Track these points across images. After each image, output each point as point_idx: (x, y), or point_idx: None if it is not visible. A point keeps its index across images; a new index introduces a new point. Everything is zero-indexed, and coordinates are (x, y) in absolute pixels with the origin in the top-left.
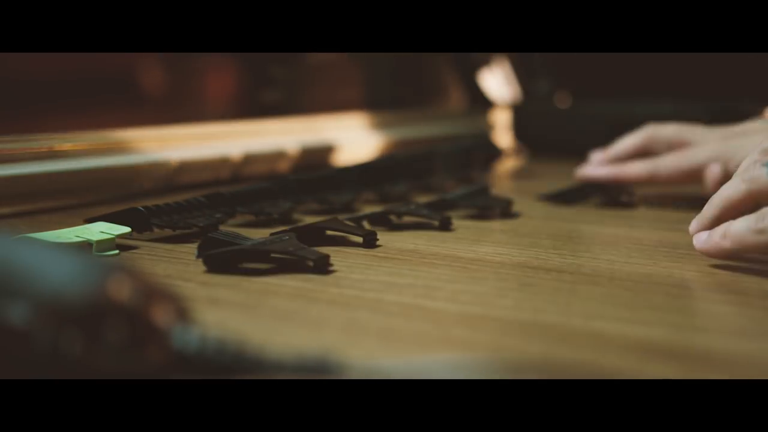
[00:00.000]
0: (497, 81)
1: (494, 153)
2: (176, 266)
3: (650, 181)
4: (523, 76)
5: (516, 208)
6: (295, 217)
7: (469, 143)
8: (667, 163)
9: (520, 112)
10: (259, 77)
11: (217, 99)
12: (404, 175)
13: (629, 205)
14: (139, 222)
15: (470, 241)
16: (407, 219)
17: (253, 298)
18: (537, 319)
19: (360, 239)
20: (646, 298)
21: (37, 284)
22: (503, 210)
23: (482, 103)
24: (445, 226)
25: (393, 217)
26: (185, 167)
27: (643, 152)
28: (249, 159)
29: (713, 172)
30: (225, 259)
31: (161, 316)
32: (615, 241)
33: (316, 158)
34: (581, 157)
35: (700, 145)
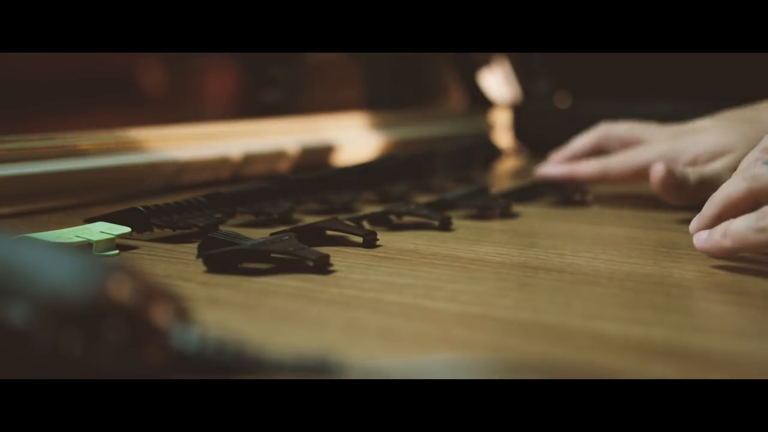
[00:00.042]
0: (497, 81)
1: (494, 153)
2: (176, 266)
3: (602, 179)
4: (523, 76)
5: (516, 208)
6: (295, 217)
7: (469, 143)
8: (618, 162)
9: (520, 112)
10: (259, 77)
11: (217, 99)
12: (404, 175)
13: (583, 203)
14: (139, 222)
15: (470, 241)
16: (407, 219)
17: (253, 298)
18: (537, 319)
19: (360, 239)
20: (646, 298)
21: (37, 284)
22: (503, 210)
23: (482, 103)
24: (445, 226)
25: (393, 217)
26: (185, 167)
27: (598, 150)
28: (249, 159)
29: (656, 170)
30: (225, 259)
31: (161, 316)
32: (615, 241)
33: (316, 158)
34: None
35: (650, 143)
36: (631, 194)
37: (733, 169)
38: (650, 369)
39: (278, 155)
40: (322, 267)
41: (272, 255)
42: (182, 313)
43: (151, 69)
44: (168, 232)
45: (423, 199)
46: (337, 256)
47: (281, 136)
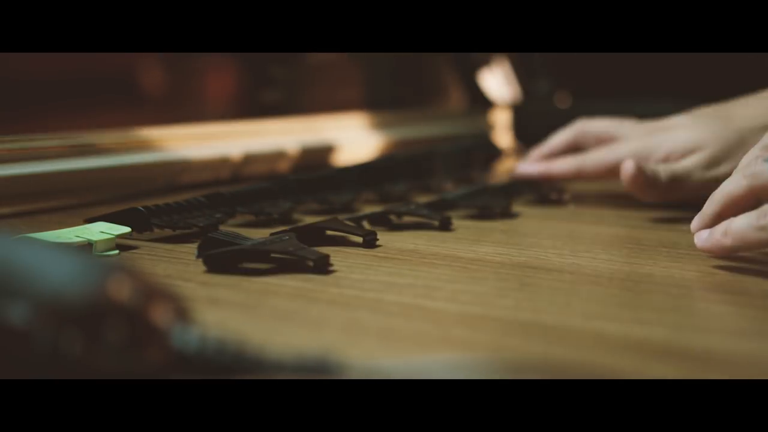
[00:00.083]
0: (497, 81)
1: (494, 153)
2: (176, 266)
3: (577, 176)
4: (523, 76)
5: (516, 208)
6: (295, 217)
7: (469, 143)
8: (592, 159)
9: (520, 112)
10: (259, 77)
11: (217, 99)
12: (404, 175)
13: (558, 202)
14: (139, 222)
15: (470, 241)
16: (407, 219)
17: (253, 298)
18: (537, 319)
19: (360, 239)
20: (646, 298)
21: (37, 284)
22: (503, 210)
23: (482, 103)
24: (445, 226)
25: (393, 217)
26: (185, 167)
27: (575, 147)
28: (249, 159)
29: (626, 168)
30: (225, 259)
31: (161, 316)
32: (615, 241)
33: (316, 158)
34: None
35: (625, 140)
36: (612, 193)
37: (705, 165)
38: (650, 369)
39: (278, 155)
40: (322, 267)
41: (272, 255)
42: (182, 313)
43: (151, 69)
44: (168, 232)
45: (423, 199)
46: (337, 256)
47: (281, 136)
